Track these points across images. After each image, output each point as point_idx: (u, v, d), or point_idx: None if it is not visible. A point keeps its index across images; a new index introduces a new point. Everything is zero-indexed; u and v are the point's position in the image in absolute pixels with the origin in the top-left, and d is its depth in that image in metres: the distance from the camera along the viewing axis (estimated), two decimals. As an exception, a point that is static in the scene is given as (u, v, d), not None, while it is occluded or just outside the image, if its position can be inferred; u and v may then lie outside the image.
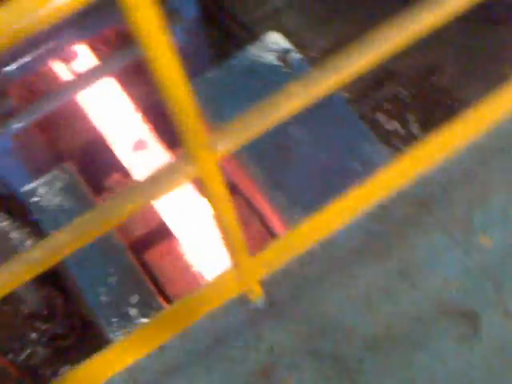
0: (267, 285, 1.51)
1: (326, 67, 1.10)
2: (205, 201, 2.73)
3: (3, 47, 0.80)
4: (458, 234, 1.57)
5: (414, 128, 3.93)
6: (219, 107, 2.74)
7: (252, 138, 1.16)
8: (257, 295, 1.49)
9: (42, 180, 2.86)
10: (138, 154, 3.15)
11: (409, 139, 3.85)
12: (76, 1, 0.89)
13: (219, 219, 1.28)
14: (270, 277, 1.50)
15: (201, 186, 1.21)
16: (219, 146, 1.12)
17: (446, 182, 1.58)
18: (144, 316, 2.36)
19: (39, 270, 1.05)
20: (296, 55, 2.89)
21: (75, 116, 3.24)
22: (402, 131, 3.93)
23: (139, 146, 3.15)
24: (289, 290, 1.53)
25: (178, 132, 1.10)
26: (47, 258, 1.05)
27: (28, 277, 1.05)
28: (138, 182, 1.09)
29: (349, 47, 1.11)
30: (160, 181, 1.11)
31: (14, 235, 3.16)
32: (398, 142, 3.88)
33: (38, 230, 3.04)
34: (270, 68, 2.89)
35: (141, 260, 2.80)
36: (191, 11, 3.07)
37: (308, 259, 1.54)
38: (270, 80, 2.83)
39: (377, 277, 1.52)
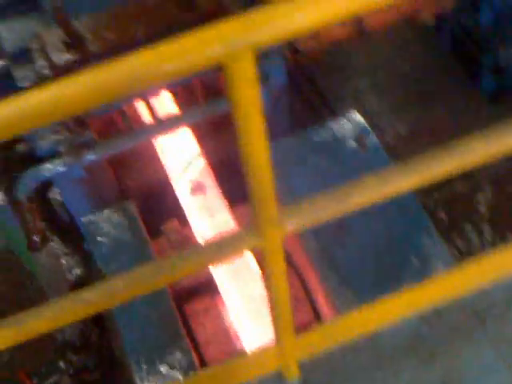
0: (306, 367, 1.49)
1: (407, 167, 1.10)
2: (259, 270, 2.72)
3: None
4: (509, 355, 1.52)
5: (484, 236, 3.85)
6: (288, 175, 2.76)
7: (321, 221, 1.16)
8: (293, 375, 1.47)
9: (102, 213, 2.90)
10: (199, 199, 3.17)
11: (475, 245, 3.77)
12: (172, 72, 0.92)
13: (271, 293, 1.27)
14: (310, 359, 1.48)
15: (259, 254, 1.21)
16: (287, 224, 1.12)
17: (506, 300, 1.54)
18: (176, 370, 2.34)
19: (91, 311, 1.06)
20: (372, 138, 2.90)
21: (146, 157, 3.30)
22: (470, 235, 3.85)
23: (198, 190, 3.18)
24: (326, 377, 1.50)
25: (249, 200, 1.11)
26: (101, 301, 1.06)
27: (79, 316, 1.06)
28: (200, 245, 1.10)
29: (433, 151, 1.11)
30: (223, 247, 1.11)
31: (64, 261, 3.20)
32: (462, 244, 3.81)
33: (89, 261, 3.08)
34: (346, 147, 2.90)
35: (182, 310, 2.79)
36: (279, 78, 3.12)
37: (351, 349, 1.51)
38: (344, 159, 2.84)
39: (419, 382, 1.48)
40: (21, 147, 3.18)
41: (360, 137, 2.91)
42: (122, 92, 0.94)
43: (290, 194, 2.66)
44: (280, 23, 0.96)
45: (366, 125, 2.90)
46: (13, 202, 2.95)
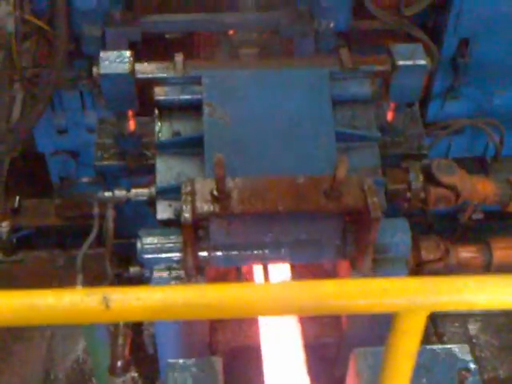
0: None
1: None
2: None
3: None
4: None
5: None
6: None
7: None
8: None
9: (188, 363, 2.91)
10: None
11: None
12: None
13: None
14: None
15: None
16: None
17: None
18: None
19: None
20: (475, 379, 2.81)
21: (247, 320, 3.33)
22: None
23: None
24: None
25: None
26: None
27: None
28: None
29: None
30: None
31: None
32: None
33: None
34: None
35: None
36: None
37: None
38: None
39: None
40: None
41: (463, 373, 2.83)
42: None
43: None
44: (461, 297, 0.99)
45: (474, 364, 2.82)
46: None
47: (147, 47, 4.29)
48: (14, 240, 4.75)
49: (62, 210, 4.82)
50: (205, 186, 2.91)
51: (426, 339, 4.05)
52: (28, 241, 4.87)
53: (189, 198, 2.86)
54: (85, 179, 4.58)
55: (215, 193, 2.87)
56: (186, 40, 4.44)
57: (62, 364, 4.32)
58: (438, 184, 3.39)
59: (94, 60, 4.33)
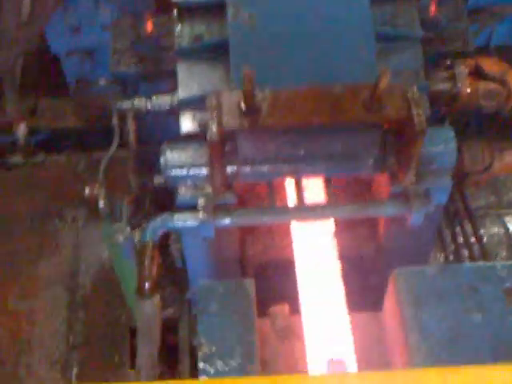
0: None
1: None
2: None
3: None
4: None
5: None
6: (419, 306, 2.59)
7: None
8: None
9: (220, 284, 2.78)
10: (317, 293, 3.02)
11: None
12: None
13: None
14: None
15: None
16: None
17: None
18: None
19: None
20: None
21: (278, 235, 3.18)
22: None
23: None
24: None
25: None
26: None
27: None
28: None
29: None
30: None
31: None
32: None
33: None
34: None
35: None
36: (440, 198, 2.93)
37: None
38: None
39: None
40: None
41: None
42: None
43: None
44: None
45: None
46: (139, 243, 2.88)
47: None
48: (33, 142, 4.58)
49: (81, 111, 4.61)
50: (232, 99, 2.65)
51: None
52: (47, 143, 4.70)
53: (215, 113, 2.62)
54: (102, 81, 4.32)
55: (243, 106, 2.62)
56: None
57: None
58: (487, 79, 3.12)
59: None
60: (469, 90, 3.12)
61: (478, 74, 3.19)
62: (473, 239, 3.98)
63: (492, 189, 4.35)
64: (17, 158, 4.54)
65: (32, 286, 4.26)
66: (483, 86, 3.16)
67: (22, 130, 4.42)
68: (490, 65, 3.21)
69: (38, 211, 4.52)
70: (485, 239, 4.07)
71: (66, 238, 4.37)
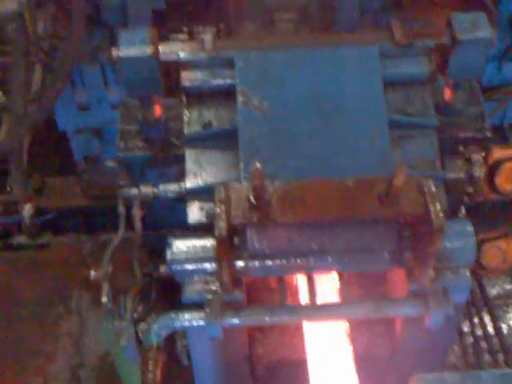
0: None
1: None
2: None
3: None
4: None
5: None
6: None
7: None
8: None
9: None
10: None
11: None
12: None
13: None
14: None
15: None
16: None
17: None
18: None
19: None
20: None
21: (289, 334, 3.02)
22: None
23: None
24: None
25: None
26: None
27: None
28: None
29: None
30: None
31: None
32: None
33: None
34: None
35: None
36: (461, 297, 2.79)
37: None
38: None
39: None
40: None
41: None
42: None
43: None
44: None
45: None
46: (142, 346, 2.73)
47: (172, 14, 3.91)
48: (38, 222, 4.48)
49: (89, 190, 4.53)
50: (240, 192, 2.55)
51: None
52: (53, 223, 4.60)
53: (223, 207, 2.51)
54: (110, 163, 4.25)
55: (252, 200, 2.51)
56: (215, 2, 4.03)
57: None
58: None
59: (114, 30, 3.98)
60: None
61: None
62: (491, 330, 3.81)
63: (510, 277, 4.17)
64: (22, 239, 4.45)
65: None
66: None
67: (27, 210, 4.34)
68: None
69: (42, 296, 4.38)
70: (505, 331, 3.88)
71: (69, 326, 4.20)
